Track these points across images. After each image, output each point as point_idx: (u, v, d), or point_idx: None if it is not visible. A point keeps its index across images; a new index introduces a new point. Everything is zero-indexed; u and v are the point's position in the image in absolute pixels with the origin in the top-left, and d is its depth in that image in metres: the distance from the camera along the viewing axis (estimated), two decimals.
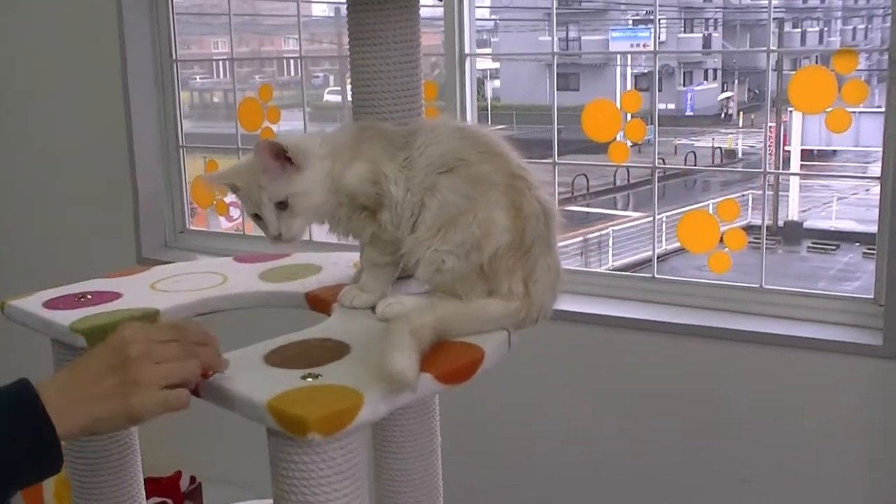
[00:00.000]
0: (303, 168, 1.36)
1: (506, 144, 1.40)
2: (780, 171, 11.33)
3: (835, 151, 16.68)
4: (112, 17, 3.26)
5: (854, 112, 2.35)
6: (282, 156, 1.34)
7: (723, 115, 21.99)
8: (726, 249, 2.52)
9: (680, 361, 2.50)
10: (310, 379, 1.16)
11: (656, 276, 2.61)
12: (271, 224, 1.37)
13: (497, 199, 1.32)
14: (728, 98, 22.25)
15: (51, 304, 1.56)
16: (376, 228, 1.39)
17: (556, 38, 2.81)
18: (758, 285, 2.49)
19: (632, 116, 2.62)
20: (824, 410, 2.37)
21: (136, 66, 3.32)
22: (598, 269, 2.84)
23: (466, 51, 2.75)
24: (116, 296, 1.59)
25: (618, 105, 2.61)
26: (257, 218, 1.39)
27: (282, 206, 1.36)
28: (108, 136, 3.38)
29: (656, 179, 2.62)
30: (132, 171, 3.37)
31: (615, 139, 2.59)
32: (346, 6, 1.53)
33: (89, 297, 1.58)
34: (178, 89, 3.41)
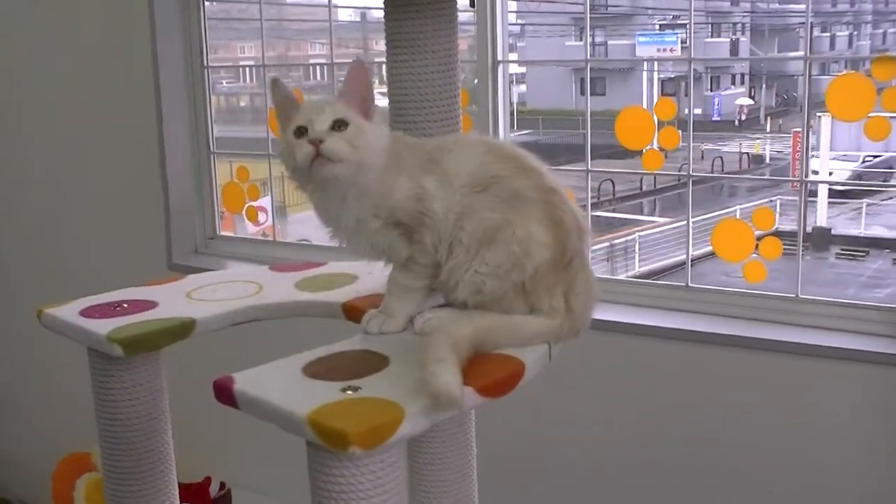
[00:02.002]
0: (373, 122, 1.32)
1: (535, 158, 1.38)
2: (819, 179, 11.16)
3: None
4: (144, 24, 3.27)
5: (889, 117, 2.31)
6: (366, 99, 1.31)
7: (737, 121, 21.73)
8: (760, 258, 2.49)
9: (714, 371, 2.47)
10: (349, 392, 1.15)
11: (690, 284, 2.58)
12: (318, 126, 1.28)
13: (534, 215, 1.30)
14: (743, 105, 21.99)
15: (87, 313, 1.56)
16: (416, 251, 1.34)
17: (588, 46, 2.79)
18: (793, 295, 2.45)
19: (665, 124, 2.59)
20: (862, 421, 2.33)
21: (168, 73, 3.33)
22: (630, 278, 2.82)
23: (499, 58, 2.74)
24: (153, 305, 1.59)
25: (651, 112, 2.58)
26: (300, 132, 1.29)
27: (339, 125, 1.28)
28: (139, 142, 3.39)
29: (690, 187, 2.59)
30: (163, 177, 3.38)
31: (648, 147, 2.57)
32: (383, 14, 1.53)
33: (125, 305, 1.59)
34: (209, 95, 3.42)
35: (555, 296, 1.31)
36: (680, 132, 2.60)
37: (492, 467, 1.83)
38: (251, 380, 1.21)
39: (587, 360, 2.46)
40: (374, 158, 1.30)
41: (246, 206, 3.42)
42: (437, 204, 1.31)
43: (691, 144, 2.61)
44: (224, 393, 1.20)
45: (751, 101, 22.27)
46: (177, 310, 1.55)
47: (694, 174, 2.54)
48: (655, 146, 2.57)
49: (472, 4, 2.71)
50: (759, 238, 2.50)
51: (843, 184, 14.70)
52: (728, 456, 2.48)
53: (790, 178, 12.96)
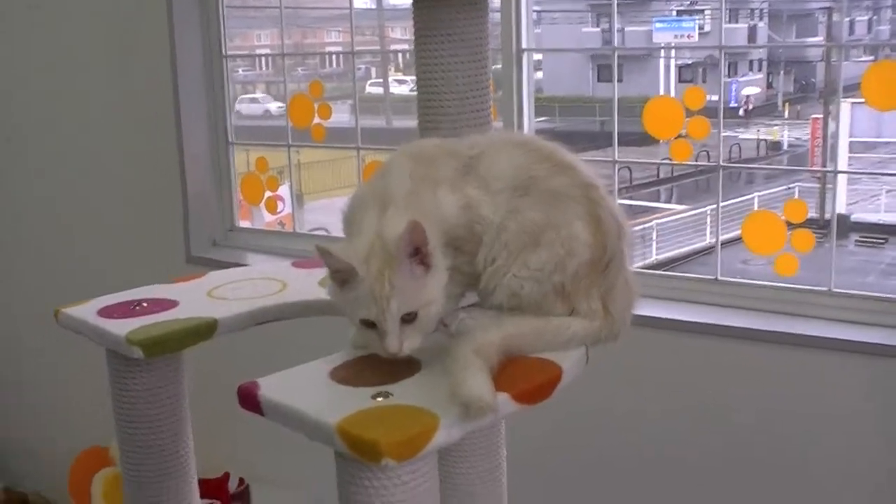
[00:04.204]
0: (433, 268, 1.18)
1: (571, 155, 1.31)
2: (848, 170, 10.88)
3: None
4: (162, 13, 3.22)
5: None
6: (427, 254, 1.16)
7: (742, 111, 21.45)
8: (792, 250, 2.42)
9: (745, 367, 2.41)
10: (380, 398, 1.10)
11: (720, 277, 2.52)
12: (392, 338, 1.15)
13: (576, 212, 1.24)
14: (749, 96, 21.72)
15: (105, 312, 1.52)
16: (461, 262, 1.25)
17: (614, 33, 2.73)
18: (826, 288, 2.39)
19: (693, 113, 2.52)
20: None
21: (186, 62, 3.28)
22: (659, 271, 2.74)
23: (524, 45, 2.68)
24: (173, 304, 1.54)
25: (681, 101, 2.51)
26: (368, 325, 1.17)
27: (409, 317, 1.16)
28: (157, 132, 3.34)
29: (721, 177, 2.53)
30: (181, 168, 3.32)
31: (678, 136, 2.50)
32: (411, 1, 1.47)
33: (145, 305, 1.54)
34: (227, 85, 3.37)
35: (592, 298, 1.26)
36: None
37: (521, 468, 1.77)
38: (277, 385, 1.16)
39: (617, 356, 2.38)
40: (442, 302, 1.21)
41: (265, 197, 3.37)
42: (485, 208, 1.24)
43: (721, 134, 2.54)
44: (249, 399, 1.15)
45: (757, 90, 22.02)
46: (198, 309, 1.51)
47: (724, 164, 2.48)
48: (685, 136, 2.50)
49: None
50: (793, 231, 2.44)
51: (866, 173, 14.53)
52: (758, 452, 2.42)
53: (822, 169, 12.77)
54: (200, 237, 3.41)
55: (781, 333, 2.35)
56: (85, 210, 3.65)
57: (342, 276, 1.17)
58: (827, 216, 14.27)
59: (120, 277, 1.67)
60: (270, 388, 1.15)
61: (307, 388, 1.15)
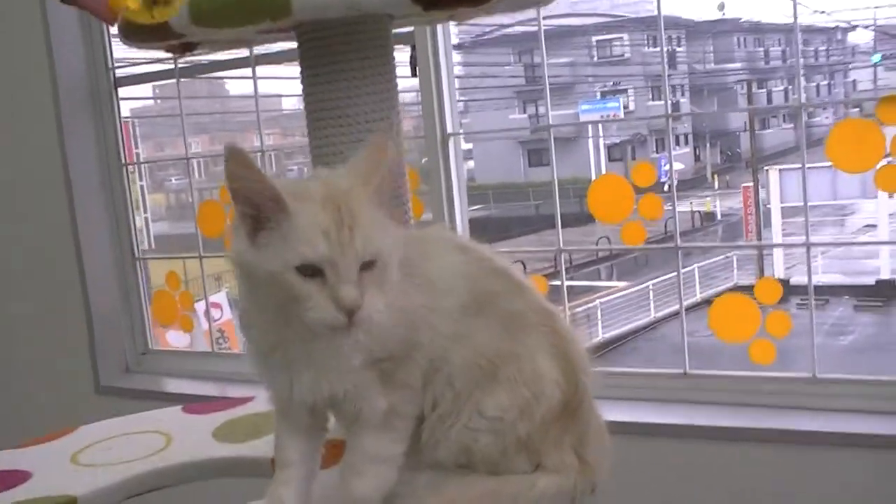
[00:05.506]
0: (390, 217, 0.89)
1: (517, 269, 1.05)
2: (826, 241, 10.84)
3: None
4: (51, 122, 2.96)
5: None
6: (383, 190, 0.88)
7: (666, 186, 21.73)
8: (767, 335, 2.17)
9: (723, 471, 2.15)
10: None
11: (688, 371, 2.25)
12: (351, 286, 0.82)
13: (539, 343, 0.97)
14: (673, 171, 22.14)
15: None
16: (398, 400, 0.93)
17: (549, 113, 2.51)
18: (810, 375, 2.13)
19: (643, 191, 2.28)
20: None
21: (81, 173, 3.02)
22: (621, 369, 2.43)
23: (449, 130, 2.44)
24: (24, 477, 1.21)
25: (629, 181, 2.27)
26: (309, 273, 0.82)
27: (367, 265, 0.84)
28: (53, 252, 3.07)
29: (680, 259, 2.28)
30: (83, 288, 3.05)
31: (628, 218, 2.25)
32: (297, 44, 1.19)
33: None
34: (129, 196, 3.09)
35: (564, 449, 0.97)
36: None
37: None
38: None
39: None
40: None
41: (180, 315, 3.05)
42: (425, 330, 0.94)
43: (676, 212, 2.30)
44: None
45: (682, 166, 22.36)
46: (54, 484, 1.18)
47: (682, 245, 2.24)
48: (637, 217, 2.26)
49: (413, 73, 2.42)
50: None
51: (838, 244, 14.71)
52: None
53: (794, 244, 12.67)
54: (110, 364, 3.13)
55: (762, 430, 2.11)
56: None
57: (260, 214, 0.84)
58: None
59: (20, 414, 1.35)
60: None
61: None
